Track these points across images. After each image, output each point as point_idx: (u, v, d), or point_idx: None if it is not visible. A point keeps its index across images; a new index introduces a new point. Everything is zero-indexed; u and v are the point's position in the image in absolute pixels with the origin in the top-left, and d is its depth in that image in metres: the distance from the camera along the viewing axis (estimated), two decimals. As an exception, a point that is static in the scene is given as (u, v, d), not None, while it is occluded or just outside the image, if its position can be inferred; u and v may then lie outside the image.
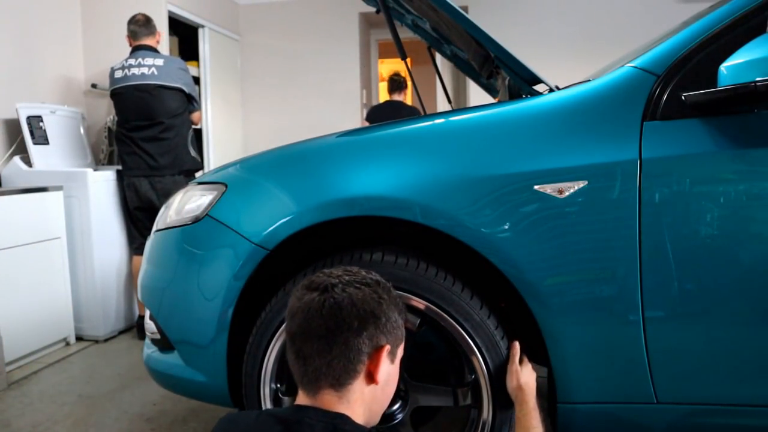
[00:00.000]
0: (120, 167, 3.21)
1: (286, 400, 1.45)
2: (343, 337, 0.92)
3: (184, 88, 3.15)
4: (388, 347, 0.96)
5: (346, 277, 0.97)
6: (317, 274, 1.00)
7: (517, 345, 1.34)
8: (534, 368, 1.35)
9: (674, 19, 1.89)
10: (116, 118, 3.26)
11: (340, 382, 0.93)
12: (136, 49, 3.15)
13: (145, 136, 3.08)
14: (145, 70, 3.07)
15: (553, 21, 4.67)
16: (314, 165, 1.43)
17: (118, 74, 3.10)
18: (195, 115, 3.31)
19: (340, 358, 0.92)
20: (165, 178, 3.10)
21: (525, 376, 1.29)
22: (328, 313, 0.92)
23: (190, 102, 3.23)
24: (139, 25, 3.17)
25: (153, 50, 3.17)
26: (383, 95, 6.17)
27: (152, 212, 3.03)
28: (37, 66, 3.45)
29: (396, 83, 4.32)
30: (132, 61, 3.09)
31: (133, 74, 3.07)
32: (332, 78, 5.12)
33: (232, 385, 1.49)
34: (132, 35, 3.18)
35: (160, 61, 3.11)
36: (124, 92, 3.08)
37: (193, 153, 3.24)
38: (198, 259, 1.49)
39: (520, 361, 1.33)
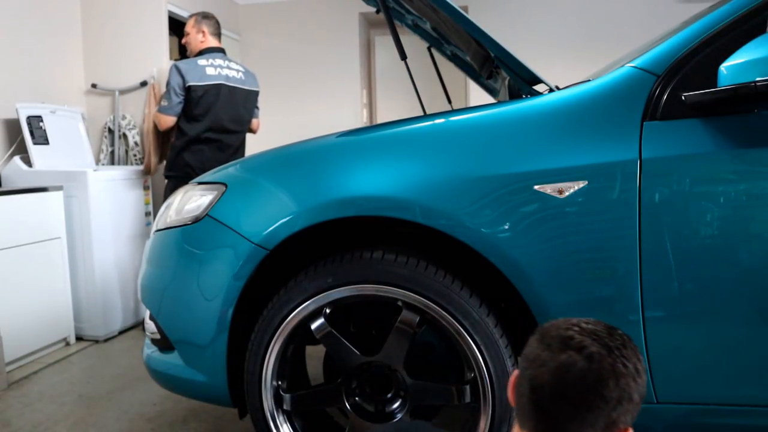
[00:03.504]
0: (173, 170, 3.07)
1: (286, 397, 1.46)
2: (601, 413, 0.84)
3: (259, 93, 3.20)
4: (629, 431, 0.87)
5: (608, 343, 0.86)
6: (567, 324, 0.89)
7: None
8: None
9: (674, 19, 1.89)
10: (179, 116, 3.03)
11: None
12: (214, 51, 3.08)
13: (232, 141, 3.05)
14: (234, 73, 3.04)
15: (553, 21, 4.67)
16: (314, 165, 1.43)
17: (210, 71, 2.99)
18: (255, 122, 3.31)
19: (594, 428, 0.84)
20: None
21: None
22: (591, 386, 0.83)
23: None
24: (215, 26, 3.14)
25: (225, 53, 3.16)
26: (383, 95, 6.16)
27: None
28: (37, 66, 3.45)
29: None
30: (220, 62, 3.04)
31: (226, 75, 3.01)
32: (332, 78, 5.12)
33: (232, 385, 1.49)
34: (212, 35, 3.12)
35: (241, 67, 3.11)
36: (219, 91, 2.99)
37: None
38: (198, 259, 1.49)
39: None
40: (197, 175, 2.89)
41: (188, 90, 2.96)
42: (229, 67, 3.06)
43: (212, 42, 3.12)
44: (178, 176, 3.02)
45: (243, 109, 3.10)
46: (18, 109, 3.10)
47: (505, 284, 1.31)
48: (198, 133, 3.00)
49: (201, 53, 3.08)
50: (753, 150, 1.20)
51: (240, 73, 3.09)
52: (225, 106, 3.00)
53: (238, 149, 3.13)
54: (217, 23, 3.18)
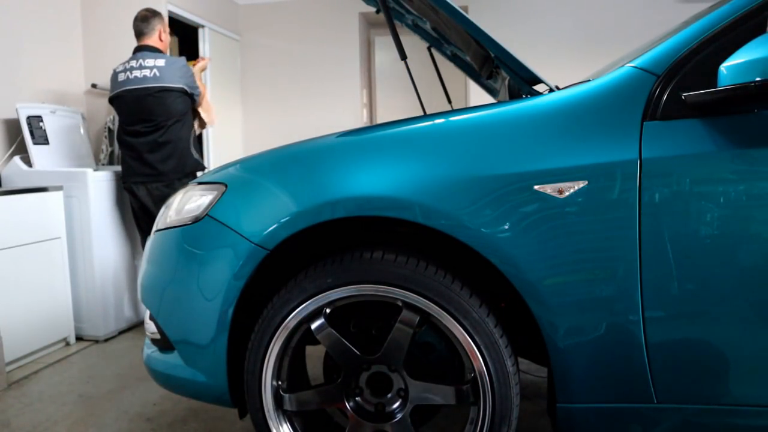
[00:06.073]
0: (120, 169, 3.19)
1: (286, 397, 1.46)
2: None
3: (186, 89, 3.07)
4: None
5: None
6: None
7: None
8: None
9: (674, 19, 1.89)
10: (117, 121, 3.21)
11: None
12: (137, 50, 3.09)
13: (146, 141, 3.03)
14: (147, 72, 3.02)
15: (553, 21, 4.67)
16: (314, 165, 1.43)
17: (121, 77, 3.04)
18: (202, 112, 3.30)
19: None
20: (168, 183, 3.04)
21: None
22: None
23: (193, 101, 3.17)
24: (139, 22, 3.13)
25: (154, 50, 3.09)
26: (383, 95, 6.17)
27: (151, 217, 3.02)
28: (37, 66, 3.45)
29: None
30: (133, 63, 3.03)
31: (135, 77, 3.01)
32: (332, 78, 5.12)
33: (232, 385, 1.50)
34: (136, 36, 3.14)
35: (161, 62, 3.04)
36: (126, 95, 3.02)
37: (195, 154, 3.19)
38: (198, 259, 1.49)
39: None
40: (129, 176, 3.07)
41: (110, 101, 3.14)
42: (141, 67, 3.03)
43: (138, 42, 3.15)
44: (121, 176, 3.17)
45: (158, 106, 3.03)
46: (18, 109, 3.11)
47: (506, 284, 1.31)
48: (119, 136, 3.13)
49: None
50: (753, 150, 1.20)
51: (154, 71, 3.03)
52: (134, 108, 3.03)
53: (158, 146, 3.05)
54: (142, 16, 3.14)
